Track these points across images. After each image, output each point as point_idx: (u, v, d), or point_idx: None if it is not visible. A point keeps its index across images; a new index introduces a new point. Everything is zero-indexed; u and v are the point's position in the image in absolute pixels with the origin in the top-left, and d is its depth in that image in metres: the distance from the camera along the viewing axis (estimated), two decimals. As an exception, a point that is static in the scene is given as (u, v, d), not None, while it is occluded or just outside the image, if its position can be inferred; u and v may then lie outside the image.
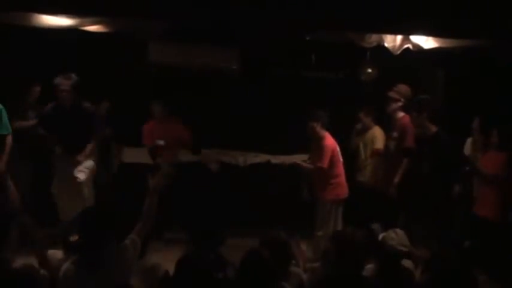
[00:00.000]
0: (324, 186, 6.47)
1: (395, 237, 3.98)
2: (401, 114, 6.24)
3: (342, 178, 6.57)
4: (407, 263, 4.05)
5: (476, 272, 3.70)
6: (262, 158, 7.68)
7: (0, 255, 3.41)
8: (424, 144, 6.02)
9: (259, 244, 3.89)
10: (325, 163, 6.36)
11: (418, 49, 6.63)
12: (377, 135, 6.97)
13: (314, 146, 6.57)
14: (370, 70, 7.43)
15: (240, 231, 6.41)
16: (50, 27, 6.50)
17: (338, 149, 6.53)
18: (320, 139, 6.43)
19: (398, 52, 6.66)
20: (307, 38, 7.03)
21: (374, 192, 6.55)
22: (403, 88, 6.23)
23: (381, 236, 4.06)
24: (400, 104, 6.22)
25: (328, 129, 6.48)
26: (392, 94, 6.25)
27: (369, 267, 4.03)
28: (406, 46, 6.62)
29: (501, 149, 5.84)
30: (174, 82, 7.76)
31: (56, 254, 3.89)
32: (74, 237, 3.68)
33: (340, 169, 6.56)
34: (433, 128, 6.04)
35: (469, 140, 6.52)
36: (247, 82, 7.74)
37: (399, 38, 6.61)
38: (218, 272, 3.76)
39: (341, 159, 6.57)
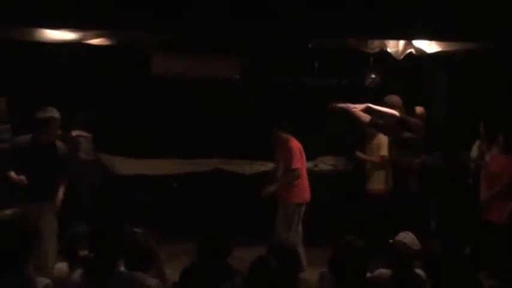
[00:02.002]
0: (289, 188, 6.46)
1: (407, 237, 3.99)
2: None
3: (306, 181, 6.59)
4: (419, 271, 4.05)
5: (483, 276, 3.70)
6: (268, 166, 7.67)
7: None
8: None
9: (266, 251, 3.88)
10: (297, 163, 6.40)
11: (421, 53, 6.62)
12: (382, 143, 6.95)
13: (280, 151, 6.57)
14: (373, 76, 7.43)
15: (249, 240, 6.47)
16: (52, 41, 6.54)
17: (303, 151, 6.56)
18: (285, 142, 6.47)
19: (402, 57, 6.66)
20: (310, 46, 7.04)
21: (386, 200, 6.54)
22: (392, 100, 6.15)
23: (391, 240, 4.05)
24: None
25: (293, 134, 6.53)
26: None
27: (382, 271, 4.02)
28: (409, 51, 6.62)
29: (507, 151, 5.81)
30: (176, 93, 7.78)
31: (63, 267, 3.88)
32: (83, 252, 3.66)
33: (304, 172, 6.59)
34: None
35: (476, 144, 6.49)
36: (249, 91, 7.76)
37: (402, 43, 6.61)
38: (226, 282, 3.74)
39: (305, 163, 6.61)
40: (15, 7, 5.74)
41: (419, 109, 6.45)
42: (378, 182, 6.91)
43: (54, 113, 5.57)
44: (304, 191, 6.56)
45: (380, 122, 5.98)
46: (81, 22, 6.08)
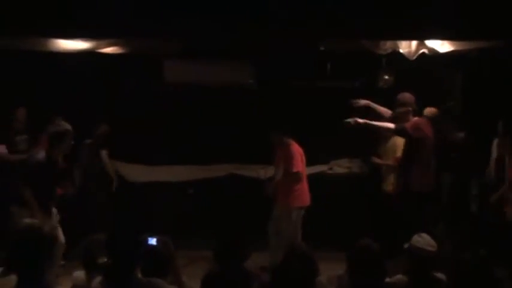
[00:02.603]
0: (290, 192, 6.46)
1: (421, 239, 3.94)
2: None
3: (305, 185, 6.58)
4: (439, 275, 4.01)
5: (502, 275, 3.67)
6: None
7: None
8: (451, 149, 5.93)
9: (284, 255, 3.88)
10: (298, 167, 6.41)
11: (434, 53, 6.58)
12: (398, 145, 6.92)
13: (280, 154, 6.55)
14: (386, 77, 7.40)
15: (265, 244, 6.46)
16: (66, 51, 6.60)
17: (303, 155, 6.56)
18: (286, 145, 6.48)
19: (414, 57, 6.62)
20: (322, 48, 7.03)
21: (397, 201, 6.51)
22: (405, 98, 6.12)
23: (407, 245, 4.01)
24: (410, 114, 6.11)
25: (293, 138, 6.54)
26: (399, 109, 6.10)
27: (399, 278, 3.99)
28: (421, 51, 6.58)
29: None
30: (190, 99, 7.81)
31: (80, 275, 3.89)
32: (102, 259, 3.67)
33: (305, 175, 6.60)
34: (460, 135, 5.95)
35: (494, 142, 6.43)
36: (263, 95, 7.76)
37: (414, 43, 6.57)
38: (245, 287, 3.74)
39: (305, 167, 6.61)
40: (29, 18, 5.80)
41: (428, 110, 6.39)
42: (394, 184, 6.87)
43: (67, 126, 5.58)
44: (304, 194, 6.57)
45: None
46: (94, 32, 6.13)
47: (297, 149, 6.52)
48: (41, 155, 5.54)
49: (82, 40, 6.53)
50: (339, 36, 6.33)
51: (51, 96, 7.12)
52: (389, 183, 6.90)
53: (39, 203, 5.44)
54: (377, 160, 7.05)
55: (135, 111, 7.72)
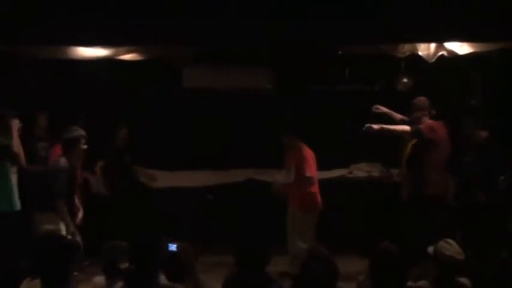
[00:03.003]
0: (303, 196, 6.44)
1: (450, 247, 3.88)
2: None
3: (317, 188, 6.58)
4: (463, 279, 3.96)
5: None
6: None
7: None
8: (473, 152, 5.85)
9: (306, 260, 3.86)
10: (311, 171, 6.42)
11: (453, 55, 6.53)
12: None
13: (291, 157, 6.53)
14: (405, 80, 7.36)
15: (285, 249, 6.45)
16: (85, 58, 6.65)
17: (314, 159, 6.57)
18: (299, 148, 6.49)
19: (433, 60, 6.57)
20: (340, 52, 7.01)
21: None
22: (420, 102, 6.08)
23: (431, 249, 3.96)
24: (426, 117, 6.06)
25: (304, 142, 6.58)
26: (415, 114, 6.05)
27: (423, 283, 3.95)
28: (440, 53, 6.52)
29: None
30: (208, 105, 7.83)
31: (101, 280, 3.91)
32: (123, 265, 3.69)
33: (316, 179, 6.60)
34: (484, 134, 5.89)
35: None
36: (282, 101, 7.75)
37: (433, 45, 6.52)
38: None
39: (316, 171, 6.62)
40: (48, 26, 5.86)
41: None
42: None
43: (80, 131, 5.62)
44: (317, 198, 6.56)
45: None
46: (113, 39, 6.18)
47: (308, 153, 6.54)
48: (63, 162, 5.59)
49: (101, 47, 6.58)
50: (358, 41, 6.30)
51: (71, 103, 7.18)
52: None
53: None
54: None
55: (154, 117, 7.76)
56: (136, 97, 7.81)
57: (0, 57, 6.43)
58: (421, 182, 5.95)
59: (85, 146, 5.67)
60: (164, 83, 7.73)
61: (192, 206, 7.51)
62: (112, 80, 7.50)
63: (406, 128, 5.96)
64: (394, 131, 6.05)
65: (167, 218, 7.01)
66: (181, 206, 7.47)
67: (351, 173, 7.89)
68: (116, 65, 6.98)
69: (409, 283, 3.89)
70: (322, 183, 7.10)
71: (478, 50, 6.43)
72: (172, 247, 3.73)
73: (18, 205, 5.61)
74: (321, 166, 7.31)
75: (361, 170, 7.97)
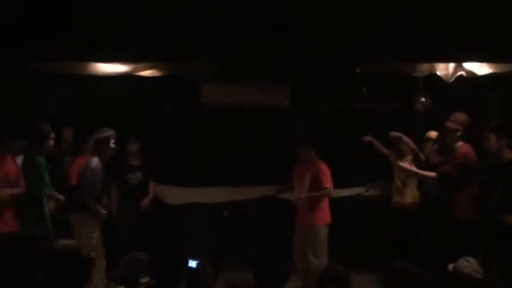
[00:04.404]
0: (316, 210, 6.48)
1: (468, 265, 3.84)
2: (460, 143, 6.03)
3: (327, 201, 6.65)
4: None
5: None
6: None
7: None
8: (497, 171, 5.77)
9: (320, 278, 3.84)
10: (329, 183, 6.48)
11: (472, 76, 6.50)
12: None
13: (309, 170, 6.54)
14: (423, 99, 7.34)
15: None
16: (104, 74, 6.72)
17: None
18: (317, 162, 6.55)
19: (452, 80, 6.56)
20: (358, 71, 7.02)
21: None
22: (460, 117, 6.03)
23: (451, 267, 3.92)
24: (458, 133, 6.03)
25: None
26: (449, 124, 6.05)
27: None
28: (459, 73, 6.52)
29: None
30: (226, 121, 7.86)
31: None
32: (145, 279, 3.70)
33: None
34: (510, 155, 5.80)
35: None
36: (299, 117, 7.77)
37: (452, 65, 6.52)
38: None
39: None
40: (68, 42, 5.94)
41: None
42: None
43: (111, 131, 5.85)
44: (328, 212, 6.60)
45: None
46: (132, 55, 6.25)
47: (324, 166, 6.57)
48: (94, 162, 5.70)
49: (120, 64, 6.64)
50: (376, 59, 6.31)
51: (90, 119, 7.24)
52: (408, 197, 6.88)
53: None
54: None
55: (172, 132, 7.79)
56: (155, 112, 7.86)
57: (21, 75, 6.54)
58: (454, 207, 5.88)
59: (115, 146, 5.83)
60: (182, 99, 7.78)
61: (208, 222, 7.52)
62: (131, 96, 7.56)
63: (432, 175, 5.99)
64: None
65: (183, 233, 7.02)
66: (198, 222, 7.48)
67: (367, 191, 7.84)
68: (135, 81, 7.04)
69: None
70: (338, 201, 7.10)
71: (497, 70, 6.42)
72: (193, 263, 3.73)
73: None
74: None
75: (377, 188, 7.93)
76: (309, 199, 6.47)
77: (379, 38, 5.86)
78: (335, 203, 6.92)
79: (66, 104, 7.32)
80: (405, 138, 6.44)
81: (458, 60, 6.37)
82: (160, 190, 7.72)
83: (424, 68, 6.66)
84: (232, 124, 7.91)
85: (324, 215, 6.55)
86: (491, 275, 4.17)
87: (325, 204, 6.57)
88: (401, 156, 6.95)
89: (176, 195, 7.77)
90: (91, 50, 6.08)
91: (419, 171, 6.18)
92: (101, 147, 5.80)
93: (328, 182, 6.48)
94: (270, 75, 7.19)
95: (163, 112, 7.94)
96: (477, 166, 5.84)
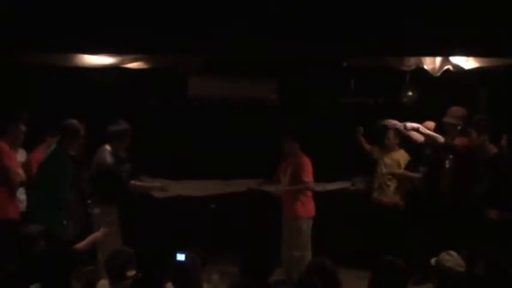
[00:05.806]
0: (298, 202, 6.54)
1: (451, 258, 3.87)
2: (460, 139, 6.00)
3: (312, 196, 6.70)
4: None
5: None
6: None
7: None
8: (482, 166, 5.80)
9: (306, 272, 3.86)
10: (309, 177, 6.54)
11: (459, 70, 6.53)
12: (402, 162, 6.97)
13: (292, 164, 6.61)
14: (410, 93, 7.37)
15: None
16: (91, 66, 6.67)
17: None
18: (301, 156, 6.61)
19: (439, 74, 6.58)
20: (345, 65, 7.02)
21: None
22: (458, 111, 6.02)
23: (433, 260, 3.95)
24: (458, 128, 6.02)
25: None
26: (449, 119, 6.04)
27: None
28: (446, 67, 6.54)
29: None
30: (213, 114, 7.84)
31: (105, 285, 3.91)
32: (131, 272, 3.70)
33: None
34: (494, 149, 5.81)
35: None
36: (286, 111, 7.76)
37: (439, 59, 6.54)
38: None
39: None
40: (54, 33, 5.88)
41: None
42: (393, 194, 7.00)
43: (126, 124, 5.79)
44: (312, 204, 6.66)
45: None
46: (119, 47, 6.20)
47: (306, 160, 6.63)
48: (107, 156, 5.64)
49: (107, 55, 6.60)
50: (363, 53, 6.31)
51: (76, 111, 7.18)
52: (387, 194, 6.94)
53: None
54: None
55: (159, 125, 7.76)
56: (142, 105, 7.81)
57: (8, 66, 6.47)
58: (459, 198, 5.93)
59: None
60: (169, 92, 7.75)
61: (194, 215, 7.50)
62: (117, 88, 7.50)
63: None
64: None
65: (170, 226, 7.00)
66: (184, 215, 7.45)
67: (353, 185, 7.87)
68: (121, 73, 6.99)
69: None
70: (325, 195, 7.12)
71: (484, 65, 6.45)
72: (180, 256, 3.73)
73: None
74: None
75: (363, 182, 7.96)
76: (290, 192, 6.49)
77: (366, 32, 5.86)
78: (321, 196, 6.96)
79: (52, 95, 7.24)
80: (397, 124, 6.31)
81: (445, 54, 6.39)
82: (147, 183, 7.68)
83: (411, 62, 6.70)
84: (220, 117, 7.89)
85: (308, 208, 6.60)
86: (476, 269, 4.20)
87: (307, 197, 6.62)
88: (387, 150, 7.00)
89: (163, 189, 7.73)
90: (77, 42, 6.03)
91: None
92: (118, 140, 5.74)
93: (307, 176, 6.53)
94: (258, 69, 7.18)
95: (150, 105, 7.90)
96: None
